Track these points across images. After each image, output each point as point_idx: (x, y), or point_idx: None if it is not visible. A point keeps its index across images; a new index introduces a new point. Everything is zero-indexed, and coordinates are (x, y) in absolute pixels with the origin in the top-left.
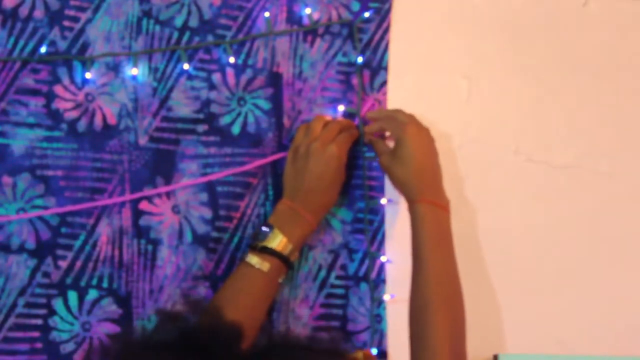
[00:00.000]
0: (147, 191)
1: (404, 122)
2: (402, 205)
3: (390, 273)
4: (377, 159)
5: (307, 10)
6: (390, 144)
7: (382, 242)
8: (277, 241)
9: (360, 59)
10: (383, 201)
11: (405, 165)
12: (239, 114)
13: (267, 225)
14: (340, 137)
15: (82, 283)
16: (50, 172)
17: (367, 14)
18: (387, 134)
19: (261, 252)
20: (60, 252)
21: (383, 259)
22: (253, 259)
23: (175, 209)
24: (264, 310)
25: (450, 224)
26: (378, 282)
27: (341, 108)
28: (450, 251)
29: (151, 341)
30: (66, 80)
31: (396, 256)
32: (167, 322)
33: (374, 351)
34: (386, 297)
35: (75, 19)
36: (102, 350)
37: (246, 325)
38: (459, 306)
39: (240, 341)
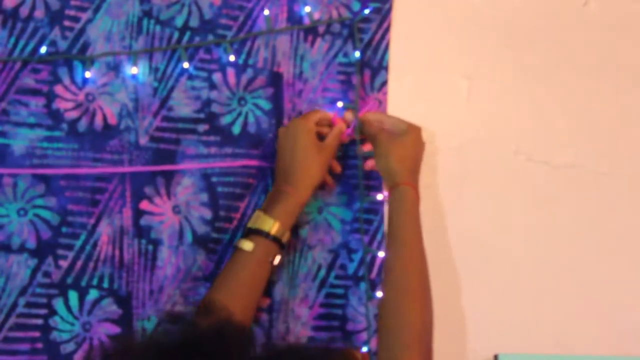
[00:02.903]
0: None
1: (404, 121)
2: None
3: None
4: (370, 141)
5: (307, 9)
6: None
7: (381, 242)
8: (262, 221)
9: (357, 54)
10: (379, 197)
11: (401, 151)
12: (239, 114)
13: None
14: (304, 115)
15: (83, 283)
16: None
17: (367, 11)
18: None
19: (250, 235)
20: (60, 251)
21: (380, 254)
22: (244, 244)
23: (175, 209)
24: (257, 292)
25: None
26: (376, 282)
27: (340, 104)
28: (422, 241)
29: (155, 345)
30: (67, 80)
31: None
32: (173, 324)
33: (364, 349)
34: (379, 294)
35: (76, 19)
36: (103, 352)
37: (240, 308)
38: (430, 297)
39: (249, 346)
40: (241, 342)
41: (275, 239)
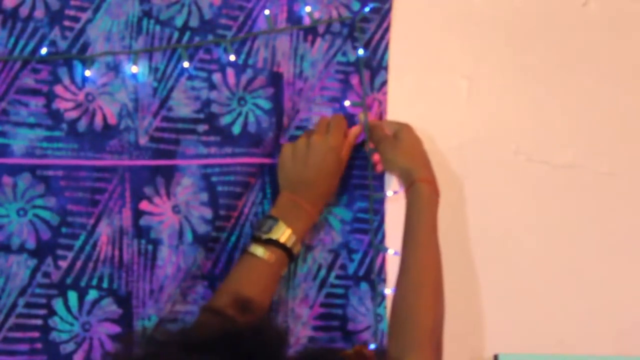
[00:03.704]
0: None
1: (395, 121)
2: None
3: (390, 270)
4: (376, 148)
5: (307, 9)
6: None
7: (382, 241)
8: (282, 233)
9: (361, 51)
10: (389, 193)
11: (407, 149)
12: (239, 114)
13: (270, 217)
14: (337, 131)
15: (82, 283)
16: (50, 172)
17: (367, 9)
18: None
19: (266, 244)
20: (60, 252)
21: (390, 251)
22: (258, 250)
23: (175, 209)
24: (268, 300)
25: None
26: (379, 281)
27: (347, 103)
28: (437, 238)
29: (191, 341)
30: (66, 80)
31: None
32: (211, 320)
33: (372, 346)
34: (387, 291)
35: (76, 19)
36: (141, 341)
37: None
38: (443, 294)
39: (285, 347)
40: (278, 342)
41: (289, 252)
